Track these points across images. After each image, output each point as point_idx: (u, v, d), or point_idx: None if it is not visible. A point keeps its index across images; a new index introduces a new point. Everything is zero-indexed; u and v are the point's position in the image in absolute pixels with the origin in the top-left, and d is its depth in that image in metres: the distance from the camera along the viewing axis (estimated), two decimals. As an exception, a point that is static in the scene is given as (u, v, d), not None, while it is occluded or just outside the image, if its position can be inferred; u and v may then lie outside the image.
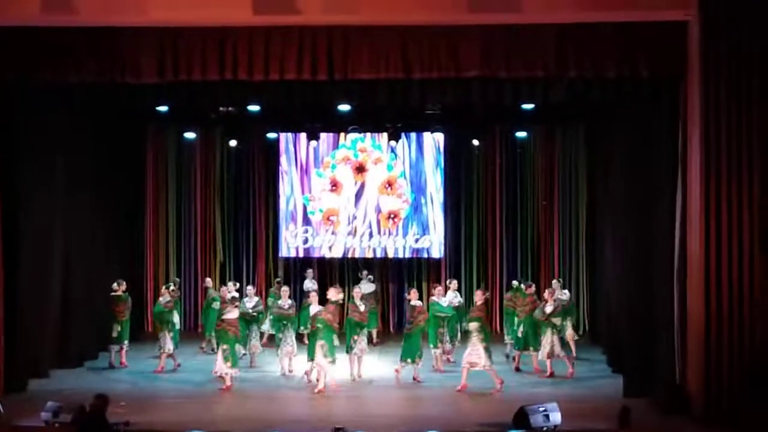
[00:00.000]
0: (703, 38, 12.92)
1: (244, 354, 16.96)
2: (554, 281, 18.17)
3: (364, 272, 19.88)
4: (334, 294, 15.62)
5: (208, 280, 19.46)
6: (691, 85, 13.28)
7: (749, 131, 12.90)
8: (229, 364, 15.19)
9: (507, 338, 17.61)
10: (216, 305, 17.30)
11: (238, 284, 18.66)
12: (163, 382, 15.83)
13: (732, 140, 12.89)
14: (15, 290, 14.86)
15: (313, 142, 20.49)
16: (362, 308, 16.03)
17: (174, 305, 17.24)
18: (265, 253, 21.72)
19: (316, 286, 19.41)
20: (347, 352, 15.85)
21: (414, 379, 15.74)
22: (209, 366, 15.82)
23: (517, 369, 16.55)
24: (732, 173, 12.90)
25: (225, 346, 15.25)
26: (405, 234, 20.99)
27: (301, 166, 21.08)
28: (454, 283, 17.84)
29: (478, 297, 15.63)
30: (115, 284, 17.31)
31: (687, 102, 13.45)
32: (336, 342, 15.43)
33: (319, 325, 15.02)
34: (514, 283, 18.38)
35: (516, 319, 16.95)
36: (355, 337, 15.79)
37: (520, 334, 16.58)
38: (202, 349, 18.18)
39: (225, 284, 18.60)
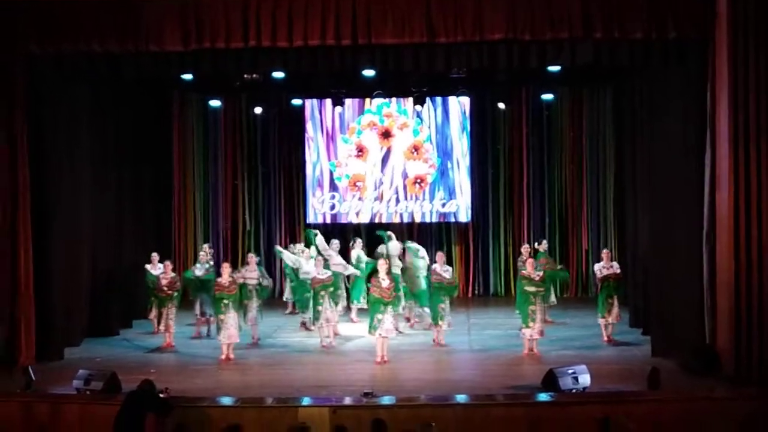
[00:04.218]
0: (731, -2, 12.79)
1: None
2: (604, 251, 17.13)
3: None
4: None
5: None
6: (719, 45, 13.14)
7: (778, 91, 12.76)
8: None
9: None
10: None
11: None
12: (193, 348, 15.89)
13: (761, 101, 12.75)
14: (47, 262, 14.96)
15: (338, 108, 20.37)
16: (385, 283, 14.56)
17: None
18: (292, 219, 21.75)
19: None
20: (370, 332, 14.64)
21: (436, 342, 15.67)
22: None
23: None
24: (761, 134, 12.78)
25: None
26: (432, 199, 20.95)
27: (327, 132, 21.05)
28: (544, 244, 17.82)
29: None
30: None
31: (715, 63, 13.30)
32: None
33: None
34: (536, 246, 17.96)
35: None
36: (379, 316, 14.38)
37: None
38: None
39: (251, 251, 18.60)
